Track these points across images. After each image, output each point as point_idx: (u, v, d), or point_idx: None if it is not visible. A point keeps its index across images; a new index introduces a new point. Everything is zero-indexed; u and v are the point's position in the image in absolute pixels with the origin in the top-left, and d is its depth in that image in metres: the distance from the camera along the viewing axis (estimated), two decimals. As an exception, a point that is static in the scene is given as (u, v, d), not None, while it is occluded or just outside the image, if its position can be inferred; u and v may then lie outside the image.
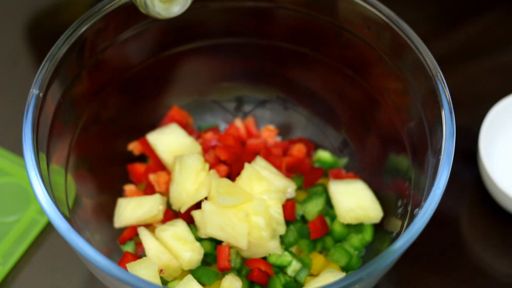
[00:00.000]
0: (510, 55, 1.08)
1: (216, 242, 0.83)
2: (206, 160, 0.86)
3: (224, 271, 0.82)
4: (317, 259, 0.84)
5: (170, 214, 0.85)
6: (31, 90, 0.74)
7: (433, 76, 0.76)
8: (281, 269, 0.83)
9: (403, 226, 0.78)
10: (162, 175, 0.87)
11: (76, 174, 0.82)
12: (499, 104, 0.94)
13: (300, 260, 0.83)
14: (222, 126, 0.96)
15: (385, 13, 0.80)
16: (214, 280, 0.81)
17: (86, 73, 0.81)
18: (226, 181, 0.82)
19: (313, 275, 0.84)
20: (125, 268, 0.77)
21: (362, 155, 0.91)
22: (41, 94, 0.74)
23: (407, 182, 0.81)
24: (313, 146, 0.93)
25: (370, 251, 0.85)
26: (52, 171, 0.75)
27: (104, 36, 0.81)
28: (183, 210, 0.82)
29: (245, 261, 0.82)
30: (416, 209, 0.74)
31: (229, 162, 0.87)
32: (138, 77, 0.88)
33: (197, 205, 0.83)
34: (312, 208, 0.86)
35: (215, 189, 0.80)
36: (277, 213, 0.81)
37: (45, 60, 0.76)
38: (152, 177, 0.88)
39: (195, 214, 0.82)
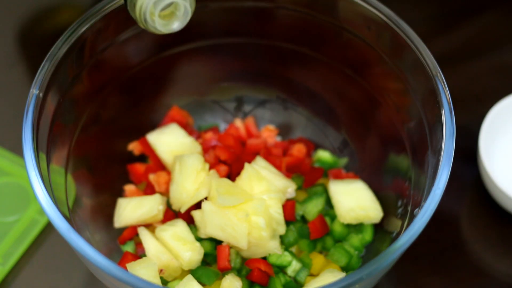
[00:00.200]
0: (510, 55, 1.08)
1: (216, 242, 0.83)
2: (206, 160, 0.86)
3: (224, 271, 0.82)
4: (317, 259, 0.84)
5: (170, 214, 0.85)
6: (31, 90, 0.74)
7: (433, 76, 0.76)
8: (281, 269, 0.83)
9: (403, 226, 0.78)
10: (162, 175, 0.87)
11: (76, 174, 0.82)
12: (499, 104, 0.94)
13: (300, 260, 0.83)
14: (222, 126, 0.96)
15: (385, 13, 0.80)
16: (214, 280, 0.81)
17: (86, 73, 0.81)
18: (226, 181, 0.82)
19: (313, 275, 0.84)
20: (125, 268, 0.77)
21: (362, 155, 0.91)
22: (41, 94, 0.74)
23: (407, 182, 0.81)
24: (313, 146, 0.93)
25: (370, 251, 0.85)
26: (52, 171, 0.75)
27: (104, 36, 0.81)
28: (183, 210, 0.82)
29: (245, 261, 0.82)
30: (416, 209, 0.74)
31: (229, 162, 0.87)
32: (138, 77, 0.88)
33: (197, 205, 0.83)
34: (312, 208, 0.86)
35: (215, 189, 0.80)
36: (277, 213, 0.81)
37: (45, 60, 0.76)
38: (152, 177, 0.88)
39: (195, 214, 0.82)
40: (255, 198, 0.80)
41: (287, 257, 0.82)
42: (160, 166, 0.89)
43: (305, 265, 0.83)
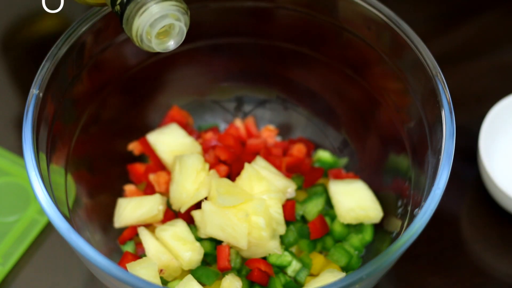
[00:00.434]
0: (510, 55, 1.08)
1: (216, 242, 0.83)
2: (206, 160, 0.86)
3: (224, 271, 0.82)
4: (317, 259, 0.84)
5: (170, 214, 0.85)
6: (31, 90, 0.74)
7: (433, 76, 0.76)
8: (281, 269, 0.83)
9: (403, 226, 0.78)
10: (162, 175, 0.87)
11: (76, 174, 0.82)
12: (499, 104, 0.94)
13: (300, 260, 0.83)
14: (222, 126, 0.96)
15: (385, 13, 0.80)
16: (214, 280, 0.81)
17: (86, 73, 0.81)
18: (226, 181, 0.82)
19: (313, 275, 0.84)
20: (125, 268, 0.77)
21: (362, 155, 0.91)
22: (41, 94, 0.74)
23: (407, 182, 0.81)
24: (313, 146, 0.93)
25: (370, 251, 0.85)
26: (52, 171, 0.75)
27: (104, 36, 0.81)
28: (183, 210, 0.82)
29: (245, 261, 0.82)
30: (416, 209, 0.74)
31: (229, 162, 0.87)
32: (138, 77, 0.88)
33: (197, 205, 0.83)
34: (312, 208, 0.86)
35: (215, 189, 0.80)
36: (277, 213, 0.81)
37: (45, 60, 0.76)
38: (152, 177, 0.88)
39: (195, 214, 0.82)
40: (255, 198, 0.80)
41: (287, 257, 0.82)
42: (160, 166, 0.89)
43: (305, 265, 0.83)
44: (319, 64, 0.89)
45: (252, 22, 0.88)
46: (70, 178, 0.80)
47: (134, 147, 0.91)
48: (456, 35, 1.09)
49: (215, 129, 0.94)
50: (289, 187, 0.85)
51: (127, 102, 0.89)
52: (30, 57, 1.05)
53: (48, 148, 0.75)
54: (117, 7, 0.67)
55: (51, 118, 0.76)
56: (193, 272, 0.81)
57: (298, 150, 0.91)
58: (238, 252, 0.82)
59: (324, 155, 0.93)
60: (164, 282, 0.81)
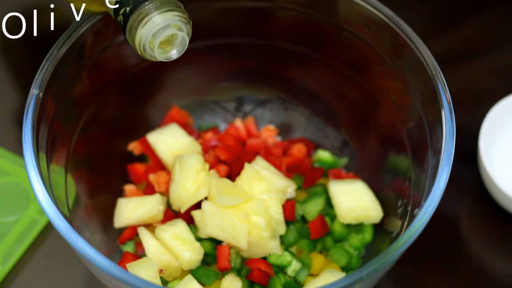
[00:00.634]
0: (510, 55, 1.08)
1: (216, 242, 0.83)
2: (206, 160, 0.86)
3: (224, 271, 0.82)
4: (317, 259, 0.84)
5: (170, 214, 0.85)
6: (31, 90, 0.74)
7: (433, 76, 0.76)
8: (281, 269, 0.83)
9: (403, 226, 0.78)
10: (162, 175, 0.87)
11: (76, 174, 0.82)
12: (499, 104, 0.94)
13: (300, 260, 0.83)
14: (222, 126, 0.96)
15: (385, 13, 0.80)
16: (214, 280, 0.81)
17: (86, 73, 0.81)
18: (226, 181, 0.81)
19: (313, 275, 0.84)
20: (125, 268, 0.77)
21: (362, 155, 0.91)
22: (41, 94, 0.74)
23: (407, 182, 0.81)
24: (313, 146, 0.93)
25: (370, 251, 0.85)
26: (52, 171, 0.75)
27: (104, 36, 0.81)
28: (183, 210, 0.82)
29: (245, 261, 0.82)
30: (416, 209, 0.74)
31: (229, 162, 0.87)
32: (138, 77, 0.88)
33: (197, 205, 0.83)
34: (312, 208, 0.86)
35: (215, 189, 0.80)
36: (277, 213, 0.81)
37: (45, 60, 0.76)
38: (152, 177, 0.88)
39: (195, 214, 0.82)
40: (255, 198, 0.80)
41: (287, 257, 0.82)
42: (160, 166, 0.89)
43: (305, 265, 0.83)
44: (319, 64, 0.89)
45: (252, 22, 0.88)
46: (70, 178, 0.80)
47: (134, 147, 0.91)
48: (456, 35, 1.09)
49: (215, 129, 0.94)
50: (289, 187, 0.85)
51: (127, 102, 0.89)
52: (30, 57, 1.05)
53: (48, 148, 0.75)
54: (120, 17, 0.67)
55: (51, 118, 0.76)
56: (193, 272, 0.81)
57: (298, 150, 0.91)
58: (238, 252, 0.82)
59: (324, 155, 0.93)
60: (164, 282, 0.81)
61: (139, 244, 0.85)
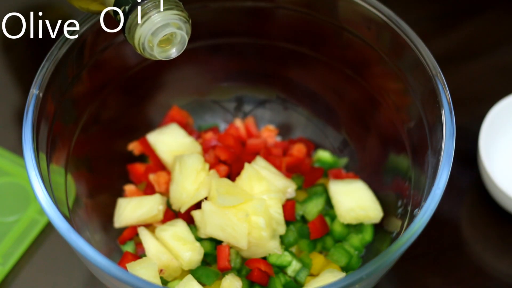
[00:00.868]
0: (510, 55, 1.08)
1: (216, 242, 0.83)
2: (206, 160, 0.86)
3: (224, 271, 0.82)
4: (317, 259, 0.84)
5: (170, 214, 0.85)
6: (31, 90, 0.74)
7: (433, 76, 0.76)
8: (281, 269, 0.83)
9: (403, 226, 0.78)
10: (162, 175, 0.87)
11: (76, 174, 0.82)
12: (499, 104, 0.94)
13: (300, 260, 0.83)
14: (222, 126, 0.96)
15: (385, 13, 0.80)
16: (214, 280, 0.81)
17: (86, 73, 0.81)
18: (226, 181, 0.81)
19: (313, 275, 0.84)
20: (125, 268, 0.77)
21: (362, 155, 0.91)
22: (41, 94, 0.74)
23: (407, 182, 0.81)
24: (313, 146, 0.93)
25: (370, 251, 0.85)
26: (52, 171, 0.75)
27: (104, 36, 0.81)
28: (183, 210, 0.82)
29: (245, 261, 0.82)
30: (416, 209, 0.74)
31: (229, 162, 0.87)
32: (138, 77, 0.88)
33: (197, 205, 0.83)
34: (312, 208, 0.86)
35: (215, 189, 0.80)
36: (277, 213, 0.81)
37: (45, 60, 0.76)
38: (152, 177, 0.88)
39: (195, 214, 0.82)
40: (255, 198, 0.80)
41: (287, 257, 0.82)
42: (160, 166, 0.89)
43: (305, 265, 0.83)
44: (319, 64, 0.89)
45: (252, 22, 0.88)
46: (70, 178, 0.80)
47: (134, 147, 0.91)
48: (456, 35, 1.09)
49: (215, 129, 0.94)
50: (289, 187, 0.85)
51: (127, 102, 0.89)
52: (30, 57, 1.05)
53: (48, 148, 0.75)
54: (119, 16, 0.68)
55: (51, 118, 0.76)
56: (193, 272, 0.81)
57: (298, 150, 0.91)
58: (238, 252, 0.82)
59: (324, 155, 0.93)
60: (164, 282, 0.81)
61: (139, 244, 0.85)
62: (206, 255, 0.83)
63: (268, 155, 0.89)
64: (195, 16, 0.73)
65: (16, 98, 1.02)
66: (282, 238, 0.84)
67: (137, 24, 0.67)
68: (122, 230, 0.86)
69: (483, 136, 0.92)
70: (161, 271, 0.80)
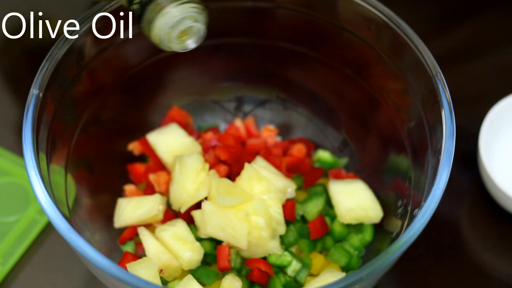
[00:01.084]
0: (510, 55, 1.08)
1: (216, 242, 0.83)
2: (206, 160, 0.86)
3: (224, 271, 0.82)
4: (317, 259, 0.84)
5: (170, 214, 0.85)
6: (31, 90, 0.74)
7: (433, 76, 0.76)
8: (281, 269, 0.83)
9: (403, 226, 0.78)
10: (162, 175, 0.87)
11: (76, 174, 0.82)
12: (499, 104, 0.94)
13: (300, 260, 0.83)
14: (222, 126, 0.96)
15: (385, 13, 0.80)
16: (214, 280, 0.81)
17: (86, 73, 0.81)
18: (226, 181, 0.81)
19: (313, 275, 0.84)
20: (125, 268, 0.77)
21: (362, 155, 0.91)
22: (41, 94, 0.74)
23: (407, 182, 0.81)
24: (313, 146, 0.93)
25: (370, 251, 0.85)
26: (52, 171, 0.75)
27: (104, 36, 0.81)
28: (183, 210, 0.82)
29: (245, 261, 0.82)
30: (416, 209, 0.74)
31: (229, 162, 0.87)
32: (138, 77, 0.88)
33: (197, 205, 0.83)
34: (312, 208, 0.86)
35: (215, 189, 0.80)
36: (277, 213, 0.81)
37: (45, 60, 0.76)
38: (152, 177, 0.88)
39: (195, 214, 0.82)
40: (255, 198, 0.80)
41: (287, 257, 0.82)
42: (160, 166, 0.89)
43: (305, 265, 0.83)
44: (319, 64, 0.89)
45: (252, 22, 0.88)
46: (70, 178, 0.80)
47: (134, 147, 0.91)
48: (456, 35, 1.09)
49: (215, 129, 0.94)
50: (289, 187, 0.85)
51: (127, 102, 0.89)
52: (30, 57, 1.05)
53: (48, 148, 0.75)
54: (135, 6, 0.68)
55: (51, 118, 0.76)
56: (193, 272, 0.81)
57: (298, 150, 0.91)
58: (238, 252, 0.82)
59: (324, 155, 0.93)
60: (164, 282, 0.81)
61: (139, 244, 0.85)
62: (206, 255, 0.83)
63: (268, 155, 0.89)
64: (195, 16, 0.73)
65: (16, 98, 1.02)
66: (282, 238, 0.84)
67: (155, 17, 0.68)
68: (122, 230, 0.86)
69: (483, 136, 0.92)
70: (161, 271, 0.80)
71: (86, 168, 0.85)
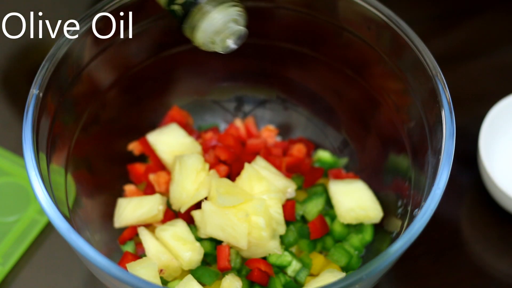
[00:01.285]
0: (510, 55, 1.08)
1: (216, 242, 0.83)
2: (206, 160, 0.86)
3: (224, 271, 0.82)
4: (317, 259, 0.84)
5: (170, 214, 0.85)
6: (31, 90, 0.74)
7: (433, 76, 0.76)
8: (281, 269, 0.83)
9: (403, 226, 0.78)
10: (162, 175, 0.87)
11: (76, 174, 0.82)
12: (499, 104, 0.94)
13: (300, 260, 0.83)
14: (222, 126, 0.96)
15: (385, 13, 0.80)
16: (214, 280, 0.81)
17: (86, 73, 0.81)
18: (226, 181, 0.82)
19: (313, 275, 0.84)
20: (125, 268, 0.77)
21: (362, 155, 0.91)
22: (41, 94, 0.74)
23: (407, 182, 0.81)
24: (313, 146, 0.93)
25: (370, 251, 0.85)
26: (52, 171, 0.75)
27: (104, 36, 0.81)
28: (183, 210, 0.82)
29: (245, 261, 0.82)
30: (416, 209, 0.74)
31: (229, 162, 0.87)
32: (138, 77, 0.88)
33: (197, 205, 0.83)
34: (312, 208, 0.86)
35: (215, 189, 0.80)
36: (277, 213, 0.81)
37: (45, 60, 0.76)
38: (152, 177, 0.88)
39: (195, 214, 0.82)
40: (255, 198, 0.80)
41: (287, 257, 0.82)
42: (160, 166, 0.89)
43: (305, 265, 0.83)
44: (319, 64, 0.89)
45: (251, 22, 0.88)
46: (70, 178, 0.80)
47: (134, 147, 0.91)
48: (456, 35, 1.09)
49: (215, 129, 0.94)
50: (289, 187, 0.85)
51: (127, 102, 0.89)
52: (30, 56, 1.05)
53: (48, 148, 0.75)
54: (176, 7, 0.68)
55: (51, 118, 0.76)
56: (193, 272, 0.81)
57: (298, 150, 0.91)
58: (238, 252, 0.82)
59: (324, 155, 0.93)
60: (164, 282, 0.81)
61: (139, 244, 0.85)
62: (206, 255, 0.83)
63: (268, 155, 0.89)
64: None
65: (16, 98, 1.02)
66: (282, 238, 0.84)
67: (199, 20, 0.68)
68: (122, 230, 0.86)
69: (483, 136, 0.92)
70: (161, 271, 0.80)
71: (86, 168, 0.85)
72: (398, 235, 0.78)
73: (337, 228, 0.86)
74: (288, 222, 0.85)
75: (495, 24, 1.10)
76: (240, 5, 0.70)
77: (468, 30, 1.09)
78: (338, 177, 0.90)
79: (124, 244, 0.85)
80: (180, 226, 0.82)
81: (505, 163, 0.95)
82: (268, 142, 0.93)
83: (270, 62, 0.92)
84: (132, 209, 0.85)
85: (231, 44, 0.72)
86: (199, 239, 0.82)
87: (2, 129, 0.99)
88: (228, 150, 0.87)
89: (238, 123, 0.94)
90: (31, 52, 1.06)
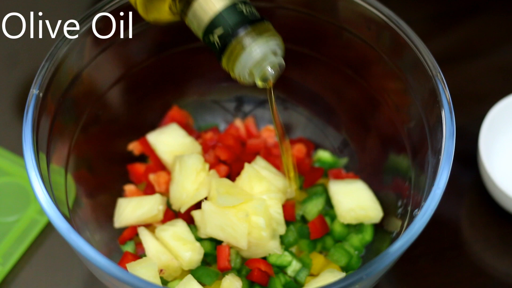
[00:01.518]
0: (510, 55, 1.08)
1: (216, 242, 0.83)
2: (206, 160, 0.86)
3: (224, 271, 0.82)
4: (317, 259, 0.84)
5: (170, 214, 0.85)
6: (31, 90, 0.74)
7: (433, 76, 0.76)
8: (281, 269, 0.83)
9: (403, 226, 0.78)
10: (162, 175, 0.87)
11: (76, 174, 0.82)
12: (499, 104, 0.94)
13: (300, 260, 0.83)
14: (222, 126, 0.96)
15: (385, 13, 0.79)
16: (214, 280, 0.81)
17: (86, 73, 0.81)
18: (226, 181, 0.81)
19: (313, 275, 0.84)
20: (125, 268, 0.77)
21: (362, 155, 0.91)
22: (41, 94, 0.74)
23: (407, 182, 0.81)
24: (313, 146, 0.93)
25: (370, 251, 0.85)
26: (52, 171, 0.75)
27: (104, 36, 0.81)
28: (183, 210, 0.82)
29: (245, 261, 0.82)
30: (416, 209, 0.74)
31: (229, 162, 0.87)
32: (138, 77, 0.88)
33: (197, 205, 0.83)
34: (312, 208, 0.86)
35: (215, 189, 0.80)
36: (277, 213, 0.81)
37: (45, 60, 0.76)
38: (152, 177, 0.88)
39: (195, 214, 0.82)
40: (255, 198, 0.80)
41: (287, 257, 0.82)
42: (160, 166, 0.89)
43: (305, 265, 0.83)
44: (319, 64, 0.88)
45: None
46: (70, 178, 0.80)
47: (134, 147, 0.91)
48: (456, 35, 1.09)
49: (215, 129, 0.94)
50: (289, 187, 0.85)
51: (127, 102, 0.89)
52: (30, 56, 1.05)
53: (48, 148, 0.75)
54: (214, 38, 0.67)
55: (51, 118, 0.76)
56: (193, 272, 0.81)
57: (298, 150, 0.91)
58: (238, 252, 0.82)
59: (324, 155, 0.93)
60: (164, 282, 0.81)
61: (139, 244, 0.85)
62: (206, 255, 0.83)
63: (268, 155, 0.89)
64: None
65: (16, 97, 1.02)
66: (282, 238, 0.84)
67: (238, 53, 0.67)
68: (122, 230, 0.86)
69: (483, 136, 0.92)
70: (161, 271, 0.80)
71: (86, 168, 0.85)
72: (398, 235, 0.78)
73: (337, 228, 0.86)
74: (288, 222, 0.85)
75: (495, 24, 1.10)
76: (278, 36, 0.69)
77: (468, 30, 1.09)
78: (338, 177, 0.90)
79: (124, 244, 0.85)
80: (180, 226, 0.82)
81: (505, 163, 0.95)
82: (268, 142, 0.93)
83: (270, 62, 0.92)
84: (132, 209, 0.85)
85: (270, 76, 0.71)
86: (199, 239, 0.82)
87: (2, 129, 0.99)
88: (228, 150, 0.87)
89: (238, 123, 0.94)
90: (31, 52, 1.06)
